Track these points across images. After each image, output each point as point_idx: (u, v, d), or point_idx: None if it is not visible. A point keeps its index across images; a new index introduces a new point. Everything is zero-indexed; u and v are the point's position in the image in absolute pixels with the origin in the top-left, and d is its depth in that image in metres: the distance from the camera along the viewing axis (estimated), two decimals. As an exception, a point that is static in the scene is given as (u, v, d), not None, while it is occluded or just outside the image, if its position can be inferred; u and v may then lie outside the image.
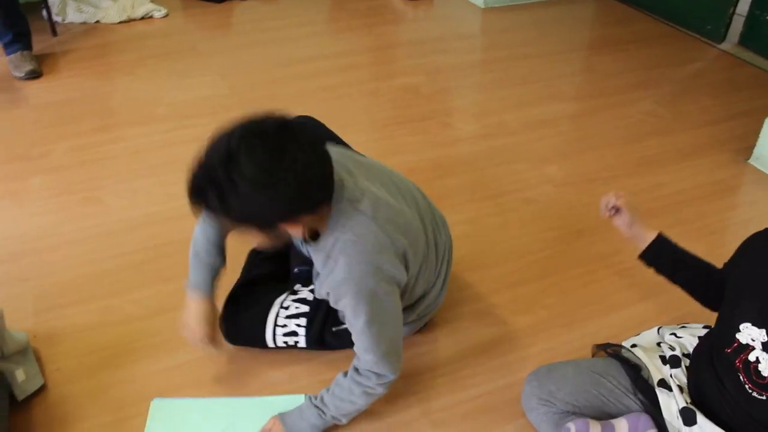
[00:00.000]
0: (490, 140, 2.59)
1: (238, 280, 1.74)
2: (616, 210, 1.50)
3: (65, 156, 2.43)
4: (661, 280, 1.49)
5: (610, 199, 1.51)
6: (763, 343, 1.18)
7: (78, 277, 1.90)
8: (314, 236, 1.38)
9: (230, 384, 1.62)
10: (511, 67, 3.18)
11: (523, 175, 2.37)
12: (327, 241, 1.35)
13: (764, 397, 1.18)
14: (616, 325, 1.77)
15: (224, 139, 1.22)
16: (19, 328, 1.62)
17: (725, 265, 1.38)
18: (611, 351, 1.51)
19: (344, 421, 1.47)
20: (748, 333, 1.20)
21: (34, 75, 2.97)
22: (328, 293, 1.40)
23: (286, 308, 1.63)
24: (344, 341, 1.54)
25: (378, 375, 1.41)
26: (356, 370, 1.43)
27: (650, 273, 1.49)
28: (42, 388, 1.58)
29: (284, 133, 1.21)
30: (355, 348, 1.42)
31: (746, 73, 3.19)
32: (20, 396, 1.52)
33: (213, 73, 3.03)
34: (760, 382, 1.18)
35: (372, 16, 3.77)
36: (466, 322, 1.78)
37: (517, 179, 2.34)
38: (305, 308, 1.63)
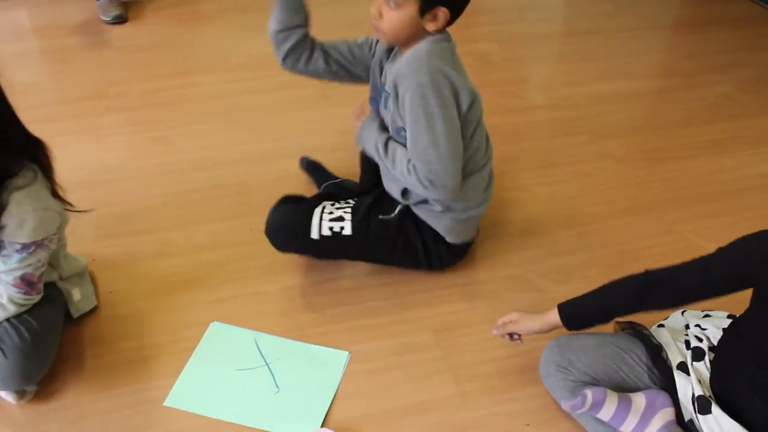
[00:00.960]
0: (554, 111, 2.56)
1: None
2: (512, 336, 1.52)
3: (140, 97, 2.55)
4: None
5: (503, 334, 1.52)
6: None
7: (139, 209, 2.02)
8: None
9: (276, 324, 1.70)
10: (586, 41, 3.11)
11: (582, 149, 2.34)
12: (404, 56, 1.55)
13: None
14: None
15: None
16: (79, 252, 1.73)
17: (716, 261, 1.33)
18: (634, 329, 1.50)
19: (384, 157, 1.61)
20: None
21: (120, 20, 3.11)
22: (394, 81, 1.54)
23: (332, 204, 1.74)
24: (389, 232, 1.70)
25: (433, 183, 1.52)
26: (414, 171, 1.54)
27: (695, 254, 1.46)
28: (95, 309, 1.70)
29: None
30: (413, 154, 1.53)
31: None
32: (75, 314, 1.64)
33: (288, 28, 3.09)
34: None
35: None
36: (503, 286, 1.80)
37: (576, 152, 2.32)
38: (351, 202, 1.74)
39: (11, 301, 1.41)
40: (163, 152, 2.27)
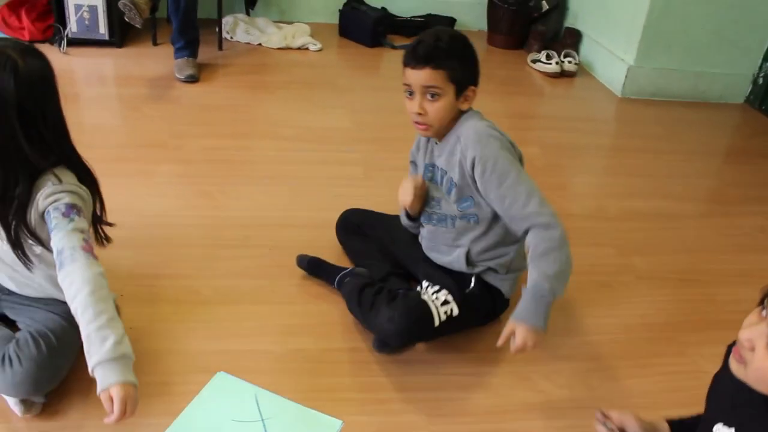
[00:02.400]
0: (585, 221, 2.62)
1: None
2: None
3: (196, 152, 2.72)
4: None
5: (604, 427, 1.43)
6: None
7: (173, 255, 2.14)
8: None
9: (279, 383, 1.75)
10: (631, 158, 3.19)
11: (606, 260, 2.38)
12: (451, 134, 1.78)
13: None
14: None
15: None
16: (111, 287, 1.84)
17: None
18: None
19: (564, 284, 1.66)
20: None
21: (193, 80, 3.33)
22: (459, 162, 1.75)
23: (427, 288, 1.86)
24: (476, 302, 1.86)
25: (547, 225, 1.65)
26: (529, 231, 1.67)
27: (705, 383, 1.48)
28: (114, 341, 1.79)
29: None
30: (512, 213, 1.69)
31: None
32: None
33: (344, 108, 3.27)
34: None
35: (511, 85, 3.92)
36: (503, 382, 1.82)
37: (598, 263, 2.36)
38: (429, 284, 1.87)
39: (99, 274, 1.43)
40: (207, 205, 2.40)
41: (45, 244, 1.49)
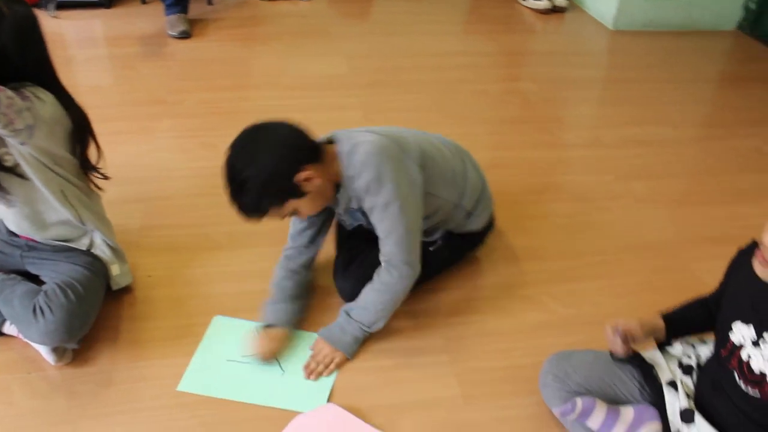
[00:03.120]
0: (583, 150, 2.66)
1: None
2: (626, 338, 1.48)
3: (195, 106, 2.75)
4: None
5: (616, 338, 1.47)
6: (752, 341, 1.24)
7: (184, 205, 2.18)
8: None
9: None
10: (625, 89, 3.22)
11: (606, 187, 2.43)
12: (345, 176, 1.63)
13: (758, 394, 1.24)
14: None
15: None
16: (124, 239, 1.89)
17: (719, 285, 1.45)
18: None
19: (381, 324, 1.71)
20: (738, 331, 1.27)
21: (185, 35, 3.33)
22: (359, 198, 1.64)
23: None
24: (444, 253, 1.89)
25: (396, 266, 1.66)
26: (381, 266, 1.69)
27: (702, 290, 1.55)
28: (131, 289, 1.85)
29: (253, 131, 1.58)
30: (381, 240, 1.66)
31: None
32: (114, 286, 1.79)
33: (339, 55, 3.28)
34: (752, 378, 1.24)
35: (503, 23, 3.91)
36: (515, 305, 1.90)
37: (599, 189, 2.41)
38: None
39: None
40: (212, 156, 2.42)
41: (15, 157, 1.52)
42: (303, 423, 1.53)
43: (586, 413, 1.43)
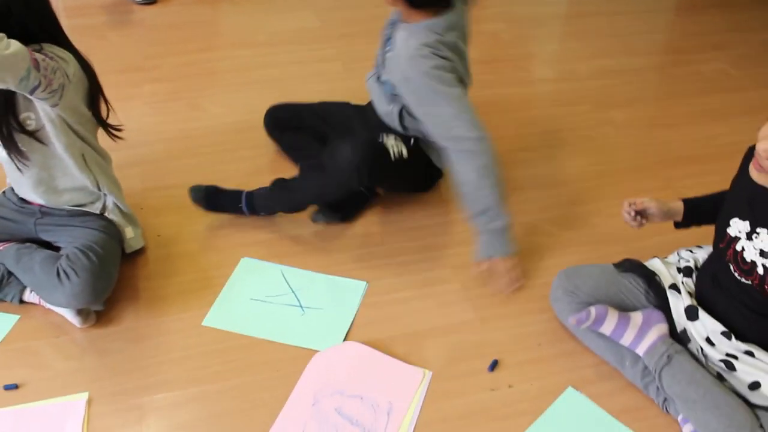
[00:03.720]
0: (559, 84, 2.74)
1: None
2: (642, 215, 1.60)
3: (174, 69, 2.74)
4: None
5: (629, 211, 1.59)
6: (747, 233, 1.35)
7: (181, 165, 2.21)
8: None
9: (301, 262, 1.88)
10: (590, 23, 3.29)
11: (586, 116, 2.52)
12: (399, 36, 1.75)
13: (750, 282, 1.35)
14: (652, 247, 1.92)
15: None
16: (129, 202, 1.91)
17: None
18: (630, 263, 1.67)
19: (505, 202, 1.76)
20: (735, 226, 1.38)
21: (150, 1, 3.29)
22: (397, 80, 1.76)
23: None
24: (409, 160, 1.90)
25: (472, 153, 1.71)
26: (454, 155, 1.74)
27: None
28: (143, 250, 1.88)
29: None
30: (437, 133, 1.75)
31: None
32: (127, 249, 1.82)
33: (309, 9, 3.28)
34: (745, 267, 1.36)
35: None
36: (517, 231, 1.97)
37: (579, 119, 2.50)
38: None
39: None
40: (200, 117, 2.45)
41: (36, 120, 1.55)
42: (323, 360, 1.60)
43: (600, 320, 1.53)
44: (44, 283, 1.62)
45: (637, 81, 2.79)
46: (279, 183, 1.94)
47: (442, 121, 1.72)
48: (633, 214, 1.58)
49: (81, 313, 1.66)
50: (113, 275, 1.69)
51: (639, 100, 2.66)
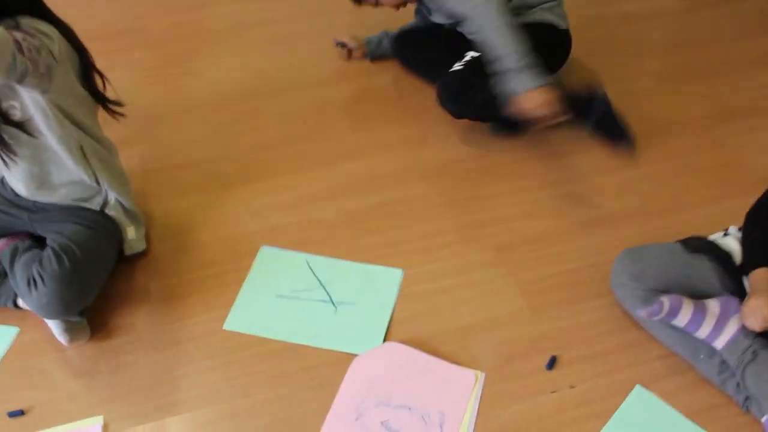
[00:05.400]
0: (586, 32, 2.51)
1: None
2: None
3: (163, 32, 2.50)
4: (756, 177, 1.45)
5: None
6: None
7: (184, 142, 2.01)
8: None
9: (326, 248, 1.69)
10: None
11: (622, 67, 2.31)
12: None
13: None
14: (709, 215, 1.75)
15: None
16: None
17: None
18: (699, 240, 1.51)
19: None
20: None
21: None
22: None
23: None
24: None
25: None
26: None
27: (747, 171, 1.46)
28: (151, 241, 1.69)
29: None
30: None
31: None
32: (127, 251, 1.62)
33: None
34: None
35: None
36: (561, 203, 1.80)
37: (616, 70, 2.28)
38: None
39: None
40: (197, 86, 2.23)
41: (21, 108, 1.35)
42: (364, 366, 1.44)
43: (674, 312, 1.36)
44: (21, 291, 1.42)
45: (668, 26, 2.56)
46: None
47: None
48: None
49: (69, 329, 1.46)
50: (92, 283, 1.47)
51: (674, 47, 2.43)
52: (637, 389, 1.40)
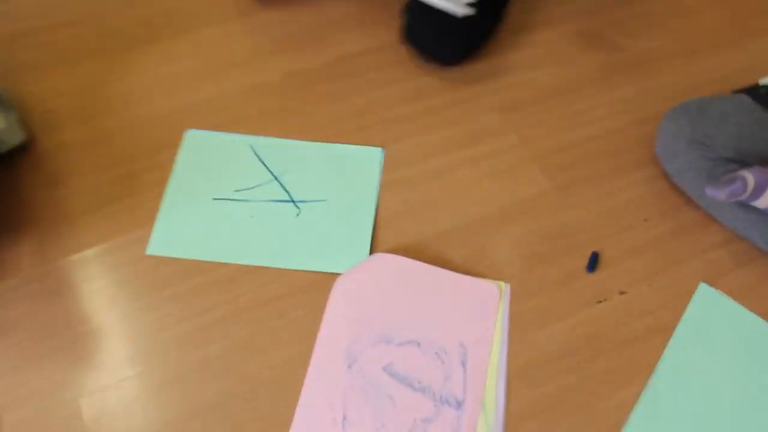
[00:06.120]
0: None
1: None
2: None
3: None
4: None
5: None
6: None
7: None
8: None
9: (274, 126, 1.25)
10: None
11: None
12: None
13: None
14: (757, 53, 1.39)
15: None
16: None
17: None
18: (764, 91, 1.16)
19: None
20: None
21: None
22: None
23: None
24: None
25: None
26: None
27: None
28: (32, 138, 1.21)
29: None
30: None
31: None
32: (1, 148, 1.15)
33: None
34: None
35: None
36: (572, 46, 1.39)
37: None
38: None
39: None
40: None
41: None
42: (349, 290, 1.05)
43: (760, 190, 1.02)
44: None
45: None
46: None
47: None
48: None
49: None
50: None
51: None
52: (702, 288, 1.09)
